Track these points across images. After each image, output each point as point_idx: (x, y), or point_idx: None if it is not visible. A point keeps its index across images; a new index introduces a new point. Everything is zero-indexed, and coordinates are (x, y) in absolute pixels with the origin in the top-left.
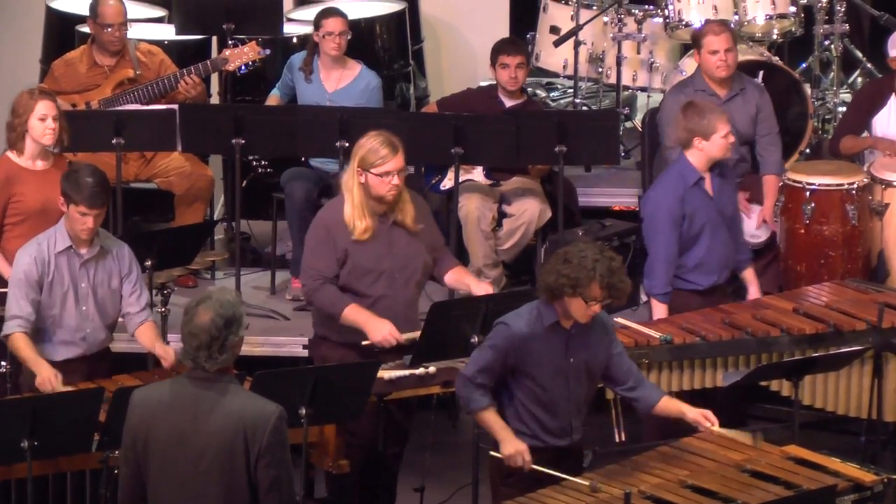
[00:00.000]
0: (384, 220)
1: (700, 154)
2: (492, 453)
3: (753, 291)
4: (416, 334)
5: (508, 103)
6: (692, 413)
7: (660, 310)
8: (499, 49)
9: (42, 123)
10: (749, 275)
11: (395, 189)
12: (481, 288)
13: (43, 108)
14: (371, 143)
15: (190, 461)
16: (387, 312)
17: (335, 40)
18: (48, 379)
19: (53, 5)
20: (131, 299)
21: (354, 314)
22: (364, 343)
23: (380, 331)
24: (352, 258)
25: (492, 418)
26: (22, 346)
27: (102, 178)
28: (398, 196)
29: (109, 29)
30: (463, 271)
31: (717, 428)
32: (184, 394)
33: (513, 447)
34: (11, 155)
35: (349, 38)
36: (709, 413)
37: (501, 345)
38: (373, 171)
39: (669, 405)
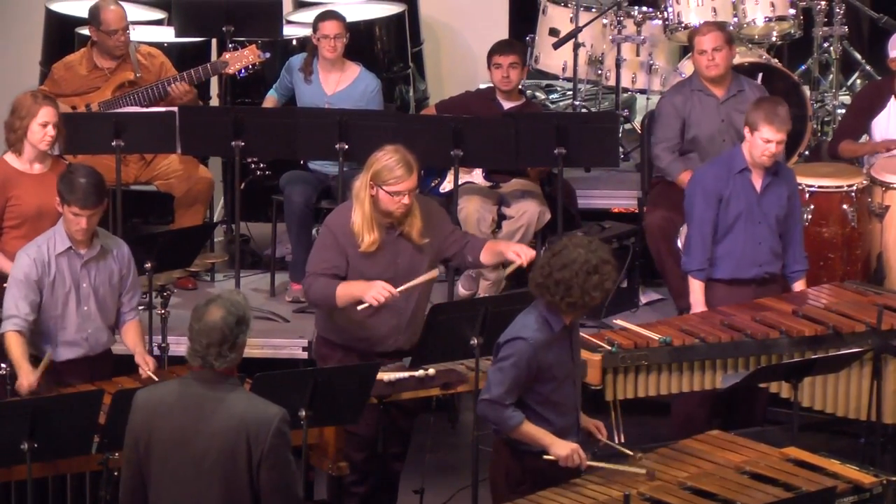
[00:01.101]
0: (391, 232)
1: (747, 146)
2: (546, 457)
3: None
4: (414, 281)
5: (507, 105)
6: (585, 423)
7: (695, 286)
8: (493, 50)
9: (42, 129)
10: (798, 287)
11: (403, 207)
12: (513, 249)
13: (45, 114)
14: (387, 160)
15: (192, 462)
16: (389, 323)
17: (331, 43)
18: (25, 385)
19: (53, 7)
20: (124, 299)
21: (346, 287)
22: (360, 308)
23: (376, 290)
24: (355, 267)
25: (532, 429)
26: (12, 345)
27: (98, 179)
28: (406, 212)
29: (114, 35)
30: (493, 243)
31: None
32: (187, 395)
33: (567, 447)
34: (9, 157)
35: (346, 41)
36: (600, 424)
37: (524, 360)
38: (385, 187)
39: None
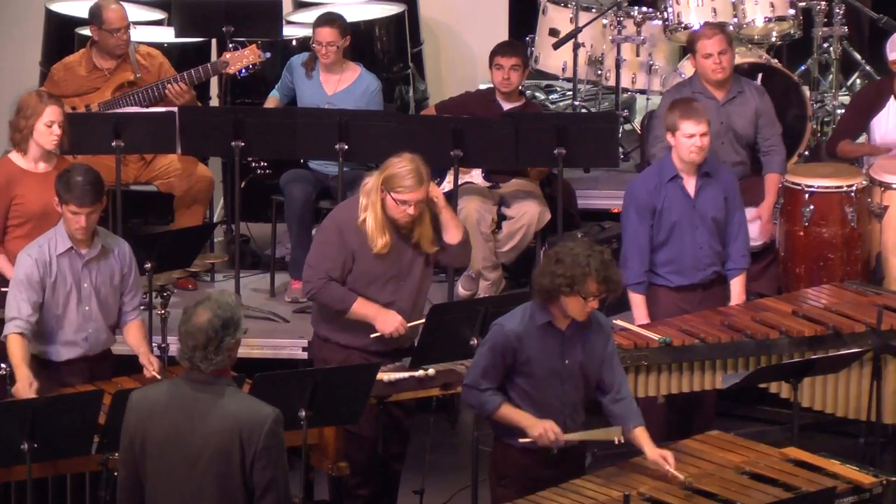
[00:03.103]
0: (400, 235)
1: (674, 151)
2: (521, 440)
3: (733, 301)
4: (419, 322)
5: (507, 106)
6: (653, 454)
7: (636, 300)
8: (495, 51)
9: (48, 129)
10: (735, 285)
11: (408, 217)
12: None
13: (51, 113)
14: (400, 168)
15: (186, 462)
16: None
17: (323, 49)
18: (23, 388)
19: (53, 7)
20: (125, 298)
21: (363, 308)
22: (373, 335)
23: (390, 323)
24: (359, 262)
25: (510, 411)
26: (14, 348)
27: (94, 177)
28: (412, 223)
29: (116, 34)
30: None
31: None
32: (181, 395)
33: (540, 426)
34: (13, 156)
35: (344, 45)
36: (668, 454)
37: (497, 345)
38: (393, 194)
39: (639, 437)
